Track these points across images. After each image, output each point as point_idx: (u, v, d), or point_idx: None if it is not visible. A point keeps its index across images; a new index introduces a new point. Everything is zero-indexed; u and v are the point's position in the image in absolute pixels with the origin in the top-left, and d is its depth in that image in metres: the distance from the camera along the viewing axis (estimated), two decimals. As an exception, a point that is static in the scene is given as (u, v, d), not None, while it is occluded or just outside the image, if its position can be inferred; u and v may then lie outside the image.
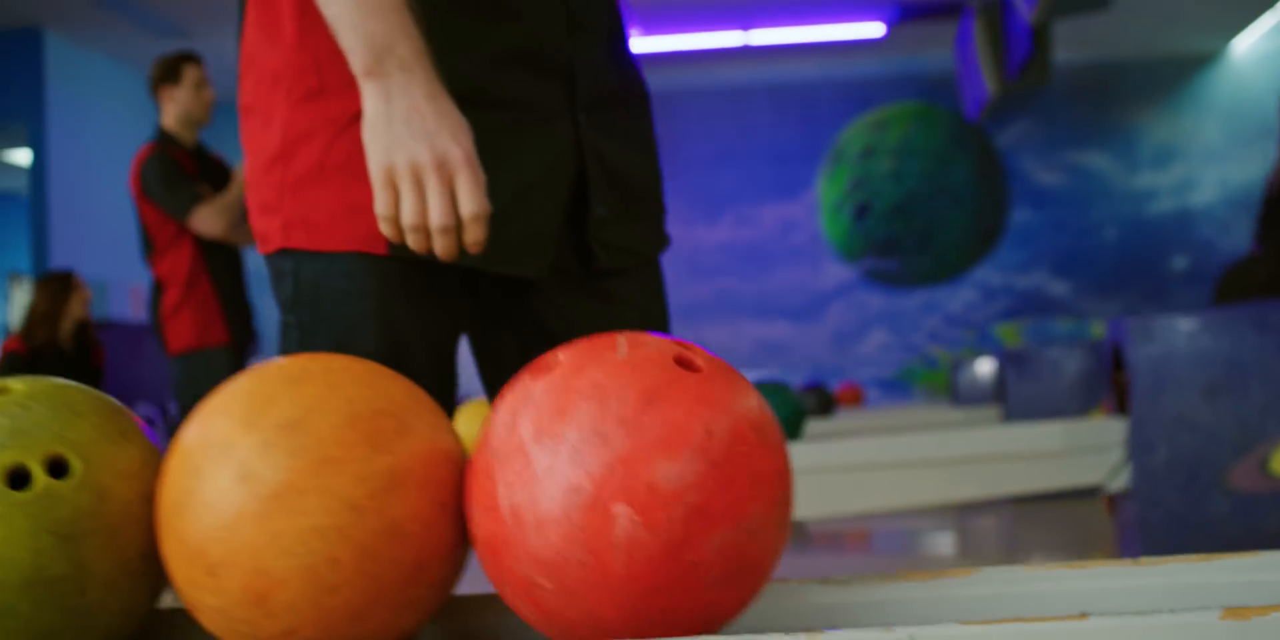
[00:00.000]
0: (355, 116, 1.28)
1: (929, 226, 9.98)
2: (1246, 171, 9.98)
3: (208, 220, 4.19)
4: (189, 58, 4.45)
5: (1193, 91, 10.10)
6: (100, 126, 8.87)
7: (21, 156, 9.89)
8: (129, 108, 8.96)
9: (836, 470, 3.64)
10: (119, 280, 8.64)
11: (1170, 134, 10.08)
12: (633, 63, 1.54)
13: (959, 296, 10.15)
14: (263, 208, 1.38)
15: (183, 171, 4.29)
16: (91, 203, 8.55)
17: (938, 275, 10.10)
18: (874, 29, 9.27)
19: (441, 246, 1.18)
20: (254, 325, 4.49)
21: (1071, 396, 5.59)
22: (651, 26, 9.30)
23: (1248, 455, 3.37)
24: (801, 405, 4.23)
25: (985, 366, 7.14)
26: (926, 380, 10.09)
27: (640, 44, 9.63)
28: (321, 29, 1.30)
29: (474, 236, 1.19)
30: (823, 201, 10.26)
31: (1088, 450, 3.62)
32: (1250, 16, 9.31)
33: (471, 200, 1.18)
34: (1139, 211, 10.08)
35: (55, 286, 5.70)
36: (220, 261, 4.39)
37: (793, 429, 3.92)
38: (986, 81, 8.26)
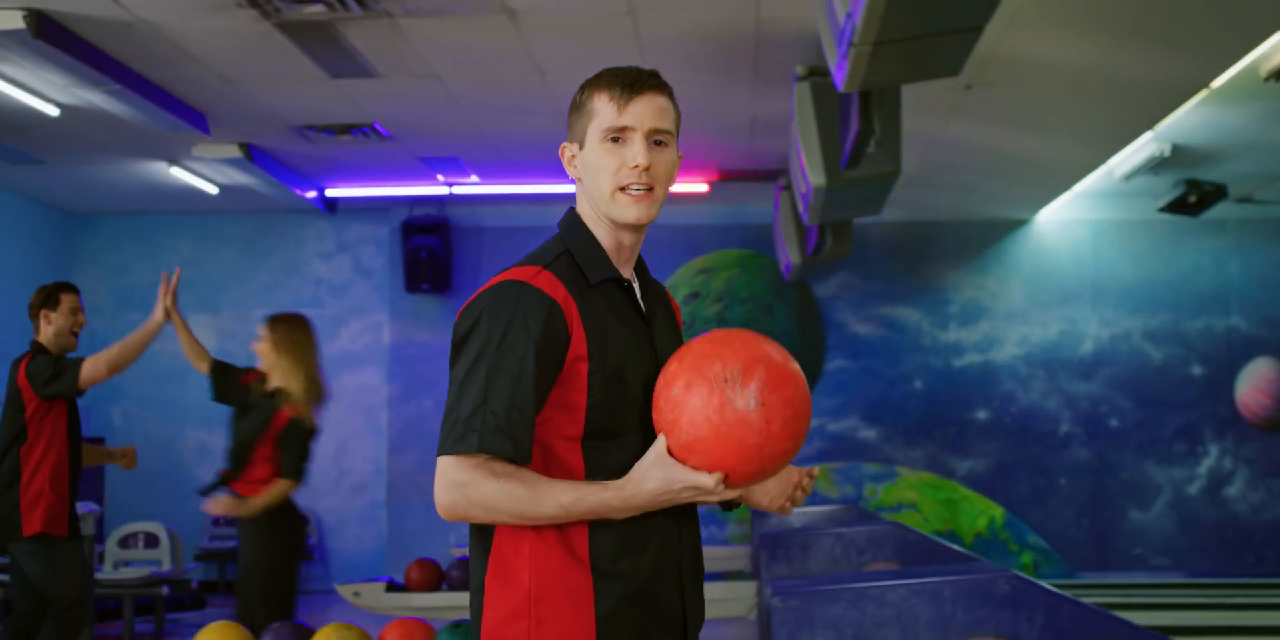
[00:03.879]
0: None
1: (749, 369, 10.45)
2: (1045, 332, 10.63)
3: (92, 368, 5.22)
4: (66, 287, 5.43)
5: (1000, 254, 10.75)
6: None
7: None
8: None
9: None
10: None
11: (977, 293, 10.71)
12: None
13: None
14: None
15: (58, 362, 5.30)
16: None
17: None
18: (697, 186, 9.80)
19: None
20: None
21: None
22: (489, 174, 9.76)
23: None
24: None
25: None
26: (739, 514, 10.54)
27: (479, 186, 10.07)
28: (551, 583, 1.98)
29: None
30: (650, 340, 10.72)
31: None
32: (1052, 194, 9.97)
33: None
34: (946, 364, 10.67)
35: None
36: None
37: None
38: (789, 253, 8.80)
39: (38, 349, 5.36)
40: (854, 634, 3.88)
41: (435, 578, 6.68)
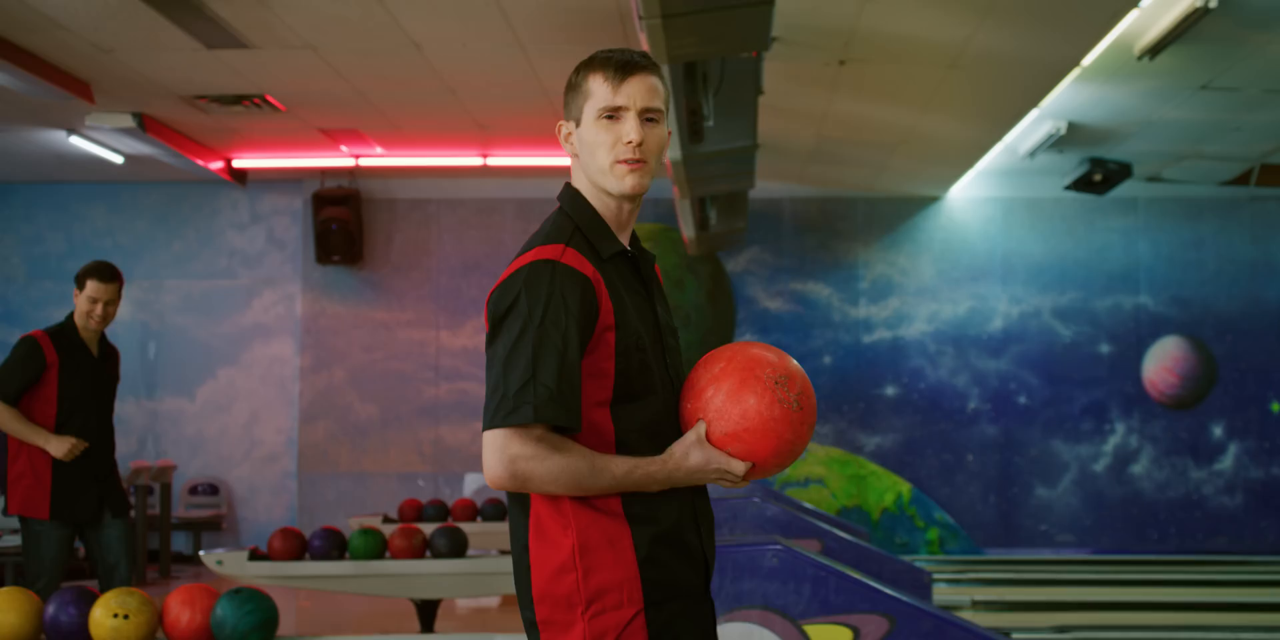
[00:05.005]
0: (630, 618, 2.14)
1: (659, 343, 10.49)
2: (955, 309, 10.67)
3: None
4: (91, 273, 5.27)
5: (911, 231, 10.77)
6: None
7: None
8: None
9: None
10: None
11: (888, 269, 10.74)
12: None
13: (683, 411, 10.69)
14: None
15: (29, 362, 5.20)
16: None
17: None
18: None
19: None
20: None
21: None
22: (395, 146, 9.76)
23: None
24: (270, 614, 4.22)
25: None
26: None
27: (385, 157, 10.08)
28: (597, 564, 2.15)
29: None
30: (561, 314, 10.76)
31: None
32: (957, 171, 9.99)
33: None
34: (856, 340, 10.71)
35: None
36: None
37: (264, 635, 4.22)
38: (685, 227, 8.83)
39: (58, 328, 5.33)
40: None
41: (298, 547, 6.71)
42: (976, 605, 7.61)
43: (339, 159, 10.09)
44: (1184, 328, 10.74)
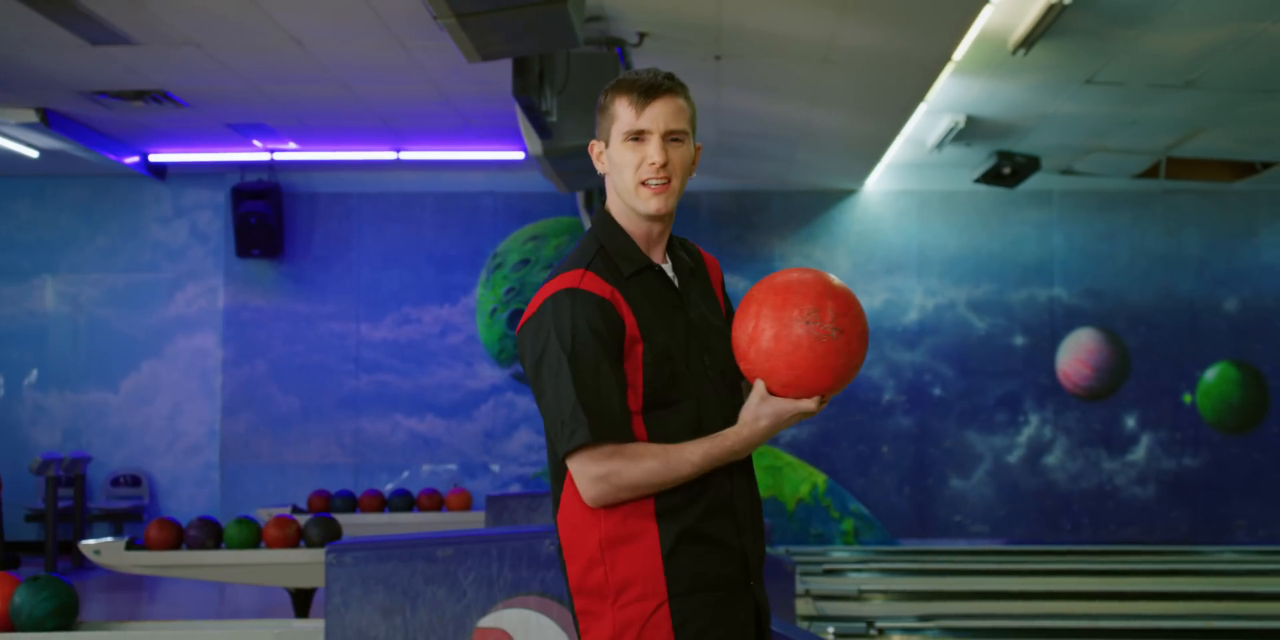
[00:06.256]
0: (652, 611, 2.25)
1: (577, 336, 10.58)
2: (870, 301, 10.75)
3: None
4: None
5: (827, 223, 10.86)
6: None
7: None
8: None
9: None
10: None
11: (804, 262, 10.82)
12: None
13: (600, 403, 10.79)
14: None
15: None
16: None
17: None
18: (514, 154, 9.89)
19: None
20: None
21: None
22: (305, 141, 9.84)
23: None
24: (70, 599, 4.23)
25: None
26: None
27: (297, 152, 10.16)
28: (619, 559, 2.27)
29: None
30: (480, 306, 10.86)
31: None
32: (866, 165, 10.07)
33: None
34: (773, 332, 10.78)
35: None
36: None
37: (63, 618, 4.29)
38: (586, 222, 8.90)
39: None
40: (403, 589, 4.01)
41: (174, 537, 6.81)
42: (862, 594, 7.71)
43: (258, 154, 10.17)
44: (1097, 320, 10.82)
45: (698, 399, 2.31)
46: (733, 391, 2.38)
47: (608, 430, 2.22)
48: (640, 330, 2.27)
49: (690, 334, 2.35)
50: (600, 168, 2.38)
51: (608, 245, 2.34)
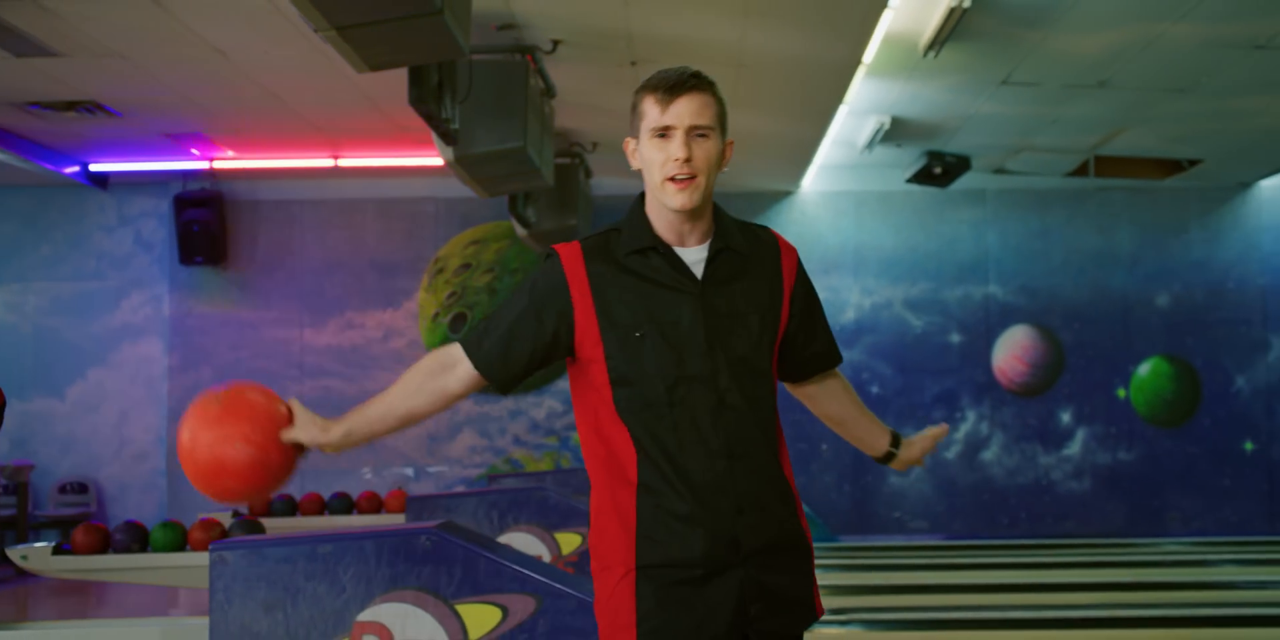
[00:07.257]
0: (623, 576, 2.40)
1: (519, 339, 10.69)
2: (808, 301, 10.87)
3: None
4: None
5: (765, 224, 10.96)
6: None
7: None
8: None
9: None
10: None
11: (742, 263, 10.94)
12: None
13: (543, 405, 10.91)
14: None
15: None
16: None
17: (525, 385, 10.82)
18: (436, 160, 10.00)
19: None
20: None
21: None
22: (243, 149, 9.94)
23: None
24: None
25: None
26: (514, 481, 10.80)
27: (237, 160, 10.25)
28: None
29: None
30: (423, 311, 10.97)
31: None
32: (798, 166, 10.20)
33: None
34: (712, 333, 10.90)
35: None
36: None
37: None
38: (516, 227, 9.02)
39: None
40: (285, 586, 4.11)
41: (101, 541, 6.89)
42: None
43: (198, 162, 10.26)
44: (1032, 317, 10.97)
45: (677, 379, 2.40)
46: (756, 376, 2.49)
47: (473, 346, 2.48)
48: (596, 306, 2.42)
49: (701, 317, 2.43)
50: (634, 164, 2.51)
51: (624, 226, 2.49)
